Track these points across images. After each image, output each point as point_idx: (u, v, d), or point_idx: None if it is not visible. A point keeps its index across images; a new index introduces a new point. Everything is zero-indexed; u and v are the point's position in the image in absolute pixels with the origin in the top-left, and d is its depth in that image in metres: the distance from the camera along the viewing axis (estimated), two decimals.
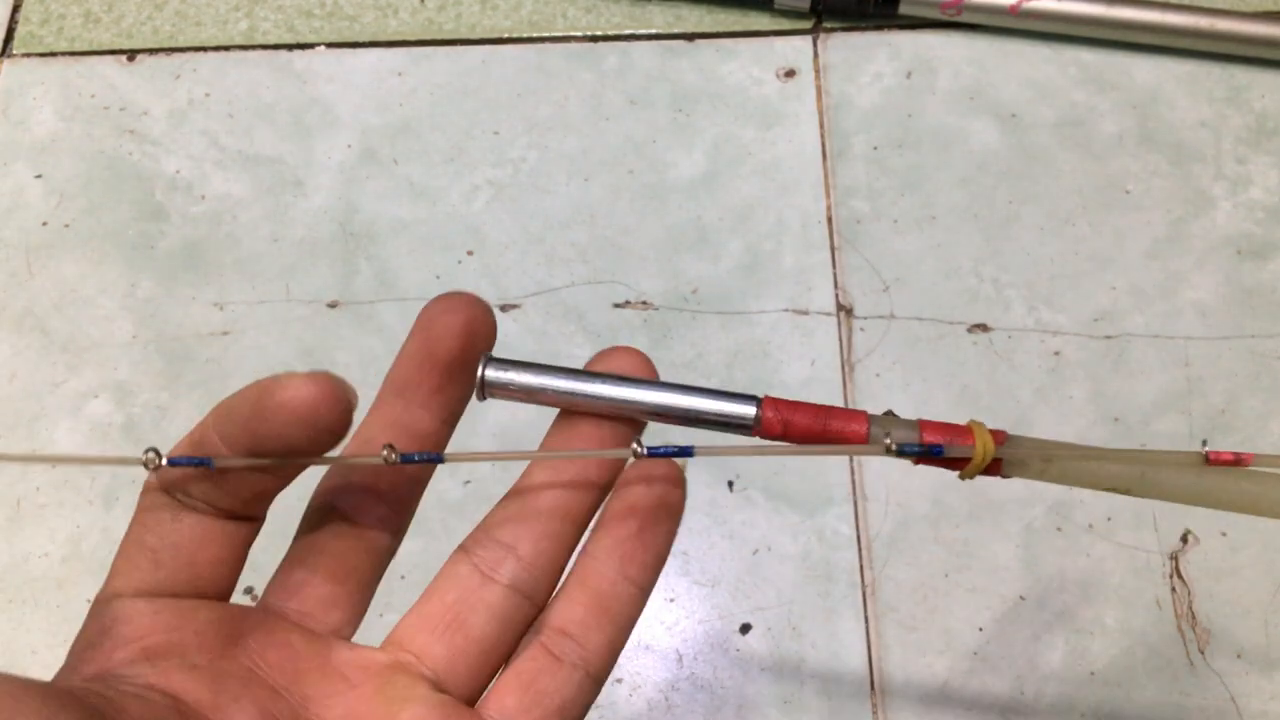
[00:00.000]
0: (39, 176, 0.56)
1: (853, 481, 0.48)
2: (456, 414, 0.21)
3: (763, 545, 0.47)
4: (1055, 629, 0.45)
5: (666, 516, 0.22)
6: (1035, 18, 0.56)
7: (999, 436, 0.22)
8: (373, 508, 0.22)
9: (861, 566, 0.46)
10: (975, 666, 0.45)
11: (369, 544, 0.22)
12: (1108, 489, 0.22)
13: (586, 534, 0.23)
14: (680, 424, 0.22)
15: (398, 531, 0.22)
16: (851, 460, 0.48)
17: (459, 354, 0.20)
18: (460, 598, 0.21)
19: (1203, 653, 0.44)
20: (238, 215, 0.55)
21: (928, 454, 0.21)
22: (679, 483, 0.22)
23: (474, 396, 0.22)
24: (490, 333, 0.21)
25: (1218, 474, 0.22)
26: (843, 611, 0.46)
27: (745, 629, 0.46)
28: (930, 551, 0.46)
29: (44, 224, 0.55)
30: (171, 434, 0.50)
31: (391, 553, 0.22)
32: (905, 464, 0.49)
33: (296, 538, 0.22)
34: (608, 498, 0.23)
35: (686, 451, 0.21)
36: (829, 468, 0.48)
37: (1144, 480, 0.22)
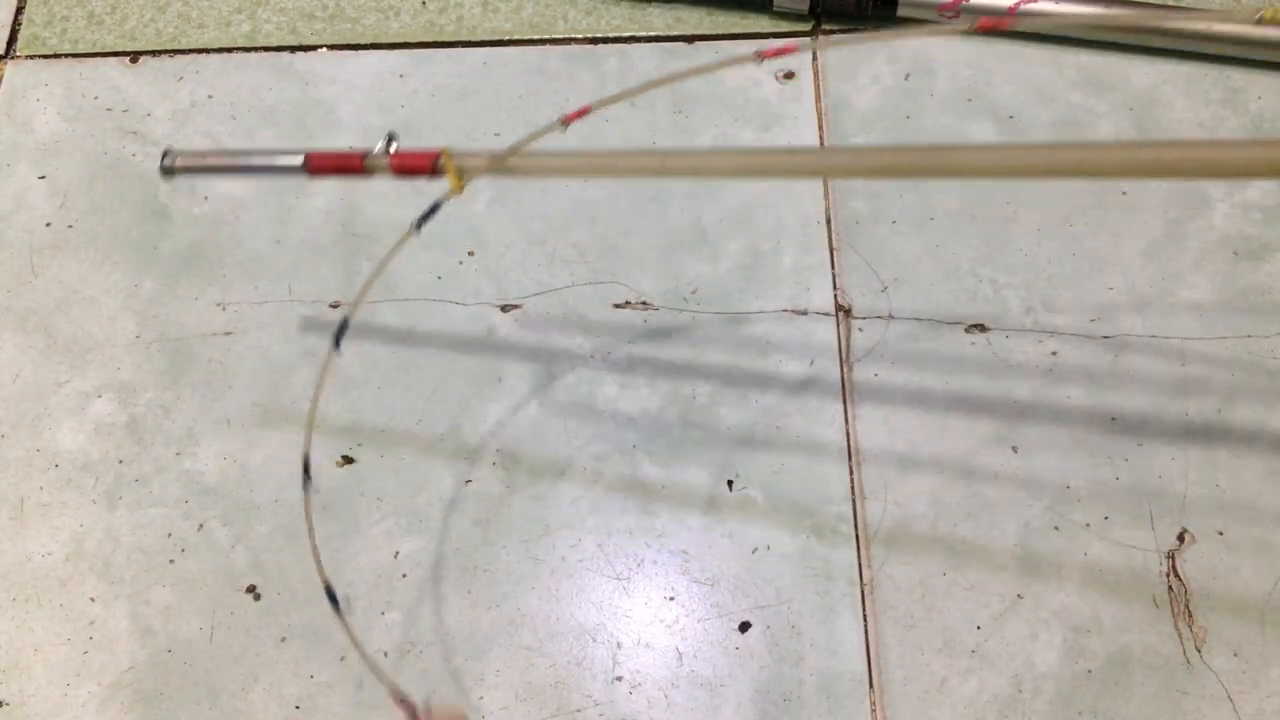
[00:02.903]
0: (42, 177, 0.56)
1: (852, 481, 0.48)
2: None
3: (762, 544, 0.47)
4: (1053, 627, 0.45)
5: None
6: (1033, 19, 0.56)
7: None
8: None
9: (860, 565, 0.47)
10: (973, 664, 0.45)
11: None
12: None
13: None
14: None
15: None
16: (851, 460, 0.48)
17: None
18: None
19: (1200, 651, 0.45)
20: (240, 216, 0.55)
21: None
22: None
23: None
24: None
25: None
26: (842, 610, 0.46)
27: (744, 627, 0.46)
28: (928, 550, 0.47)
29: (47, 225, 0.55)
30: (174, 433, 0.50)
31: None
32: (905, 465, 0.49)
33: None
34: None
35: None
36: (829, 468, 0.48)
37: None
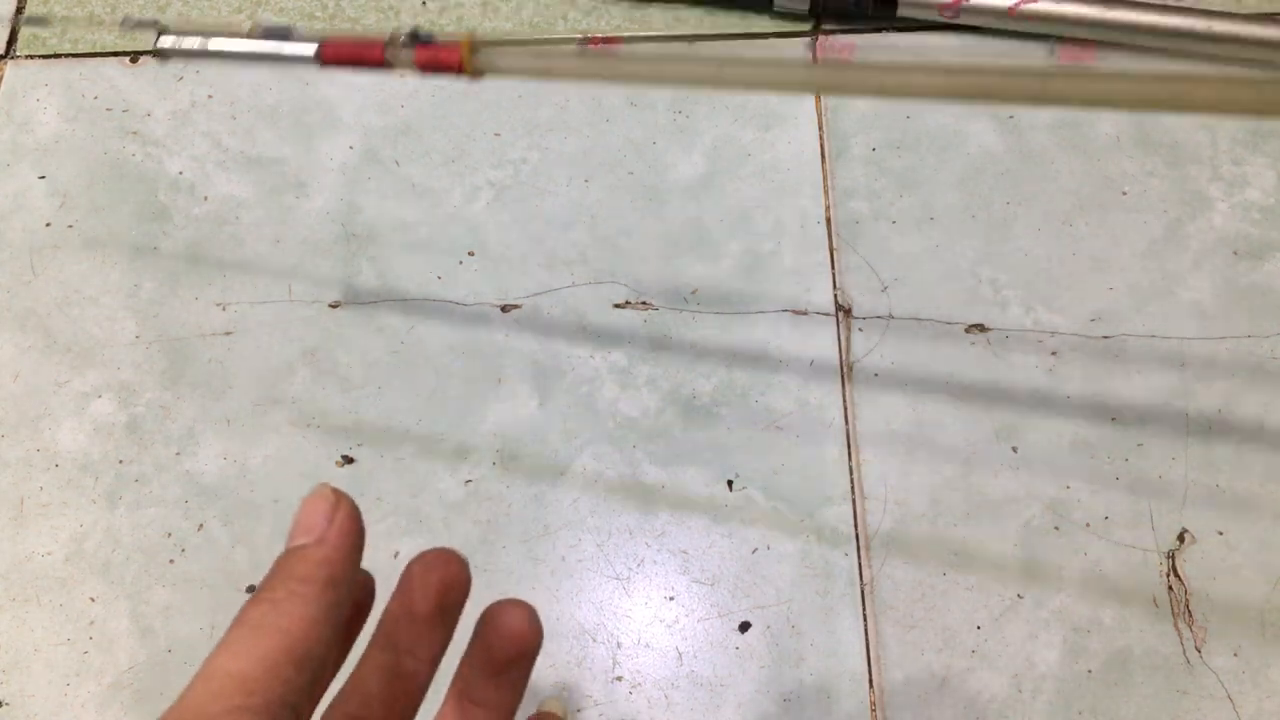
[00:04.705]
0: (43, 178, 0.56)
1: (852, 480, 0.48)
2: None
3: (762, 544, 0.47)
4: (1053, 627, 0.45)
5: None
6: (1033, 19, 0.56)
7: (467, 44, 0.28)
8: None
9: (860, 565, 0.47)
10: (973, 664, 0.45)
11: None
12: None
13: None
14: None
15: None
16: (851, 460, 0.48)
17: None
18: None
19: (1199, 650, 0.45)
20: (240, 216, 0.55)
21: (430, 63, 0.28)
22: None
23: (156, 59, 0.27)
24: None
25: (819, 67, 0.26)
26: (841, 610, 0.46)
27: (744, 627, 0.46)
28: (928, 550, 0.47)
29: (47, 225, 0.55)
30: (174, 433, 0.50)
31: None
32: (905, 465, 0.49)
33: None
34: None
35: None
36: (829, 468, 0.48)
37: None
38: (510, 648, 0.24)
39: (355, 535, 0.22)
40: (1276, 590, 0.46)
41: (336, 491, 0.23)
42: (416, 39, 0.29)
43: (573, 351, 0.51)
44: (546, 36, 0.28)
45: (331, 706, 0.23)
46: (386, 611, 0.24)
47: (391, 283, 0.53)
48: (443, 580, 0.24)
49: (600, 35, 0.26)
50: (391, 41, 0.30)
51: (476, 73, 0.28)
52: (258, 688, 0.19)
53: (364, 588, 0.25)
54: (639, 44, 0.58)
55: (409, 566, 0.24)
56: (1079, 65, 0.24)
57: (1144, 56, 0.57)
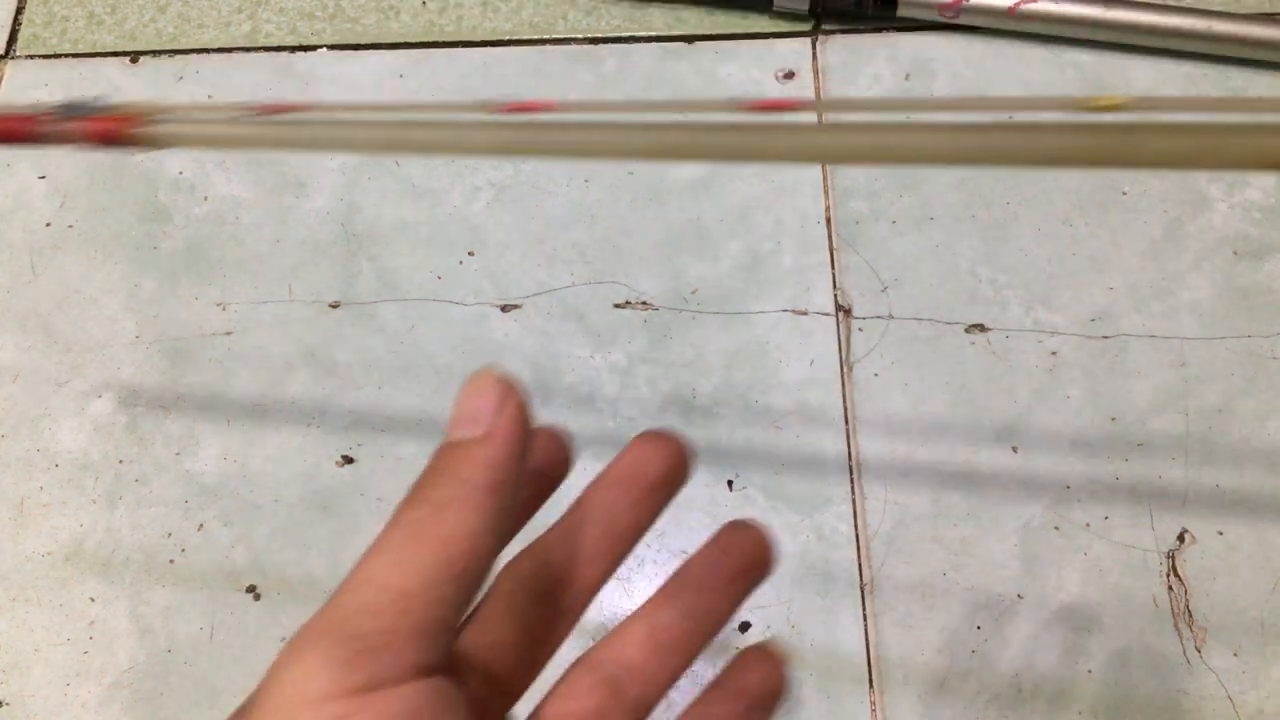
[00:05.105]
0: (42, 177, 0.56)
1: (851, 480, 0.48)
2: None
3: None
4: (1053, 627, 0.45)
5: (763, 573, 0.24)
6: (1033, 19, 0.56)
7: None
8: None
9: (860, 565, 0.47)
10: (973, 664, 0.45)
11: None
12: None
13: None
14: None
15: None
16: (851, 460, 0.48)
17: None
18: (598, 709, 0.23)
19: (1199, 650, 0.45)
20: (240, 216, 0.55)
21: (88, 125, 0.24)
22: (769, 544, 0.24)
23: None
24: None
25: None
26: (841, 609, 0.46)
27: (744, 627, 0.46)
28: (928, 550, 0.47)
29: (47, 225, 0.55)
30: (175, 434, 0.50)
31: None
32: (905, 464, 0.49)
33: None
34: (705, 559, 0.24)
35: None
36: (829, 467, 0.48)
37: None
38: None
39: (525, 432, 0.20)
40: (1276, 590, 0.46)
41: (504, 379, 0.20)
42: (72, 111, 0.25)
43: (573, 351, 0.51)
44: (222, 104, 0.26)
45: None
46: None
47: (391, 283, 0.53)
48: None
49: (280, 105, 0.24)
50: (44, 117, 0.25)
51: (146, 145, 0.25)
52: (413, 605, 0.17)
53: (558, 458, 0.23)
54: (638, 44, 0.58)
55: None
56: (547, 117, 0.22)
57: (1145, 55, 0.57)
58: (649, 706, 0.22)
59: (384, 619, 0.17)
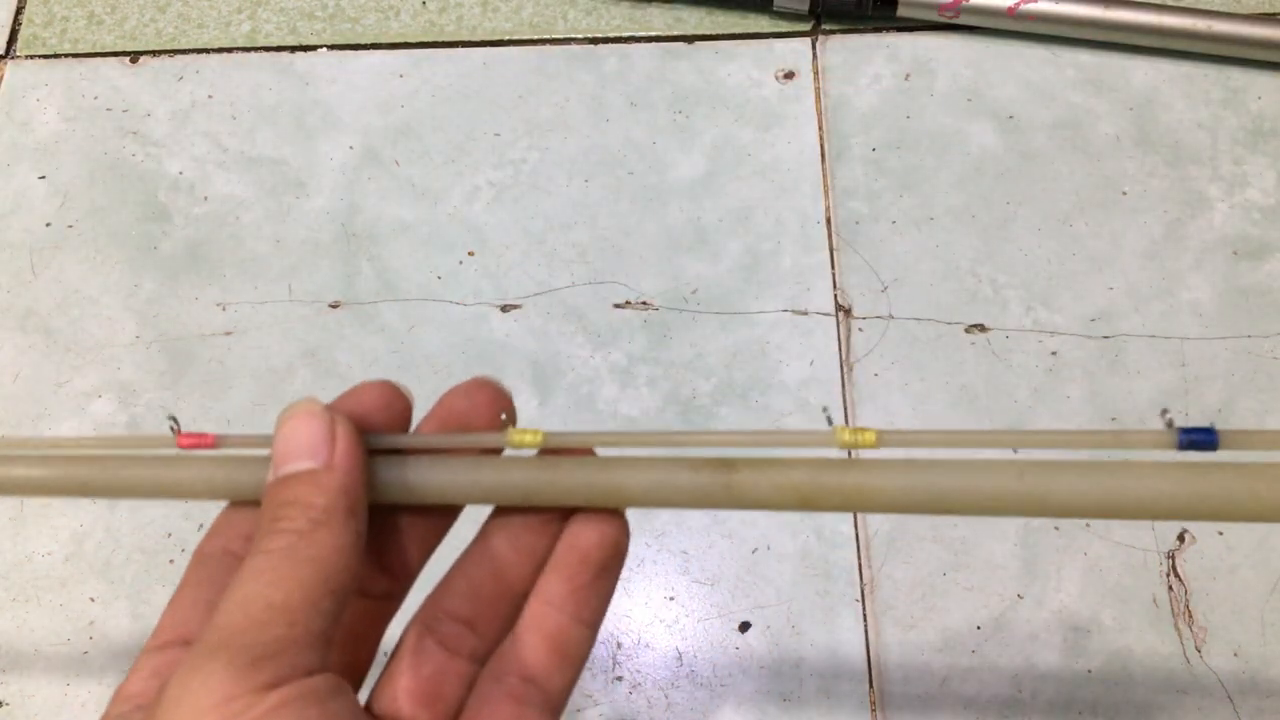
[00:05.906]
0: (42, 178, 0.56)
1: None
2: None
3: (762, 544, 0.47)
4: (1053, 627, 0.45)
5: (617, 563, 0.24)
6: (1033, 20, 0.56)
7: None
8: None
9: (860, 565, 0.47)
10: (973, 665, 0.45)
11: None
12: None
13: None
14: None
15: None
16: (851, 459, 0.48)
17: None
18: (436, 672, 0.22)
19: (1199, 651, 0.45)
20: (240, 216, 0.55)
21: None
22: (627, 531, 0.24)
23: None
24: None
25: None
26: (841, 610, 0.46)
27: (744, 627, 0.46)
28: (928, 550, 0.47)
29: (47, 225, 0.55)
30: None
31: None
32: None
33: None
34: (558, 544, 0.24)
35: None
36: None
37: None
38: (601, 554, 0.24)
39: (364, 457, 0.21)
40: (1276, 590, 0.46)
41: (326, 408, 0.21)
42: None
43: (573, 351, 0.51)
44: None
45: (433, 600, 0.23)
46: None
47: (391, 283, 0.53)
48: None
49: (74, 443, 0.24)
50: None
51: None
52: (299, 618, 0.19)
53: (396, 409, 0.24)
54: (638, 44, 0.58)
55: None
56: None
57: (1145, 55, 0.57)
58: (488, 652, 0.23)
59: (275, 630, 0.18)
